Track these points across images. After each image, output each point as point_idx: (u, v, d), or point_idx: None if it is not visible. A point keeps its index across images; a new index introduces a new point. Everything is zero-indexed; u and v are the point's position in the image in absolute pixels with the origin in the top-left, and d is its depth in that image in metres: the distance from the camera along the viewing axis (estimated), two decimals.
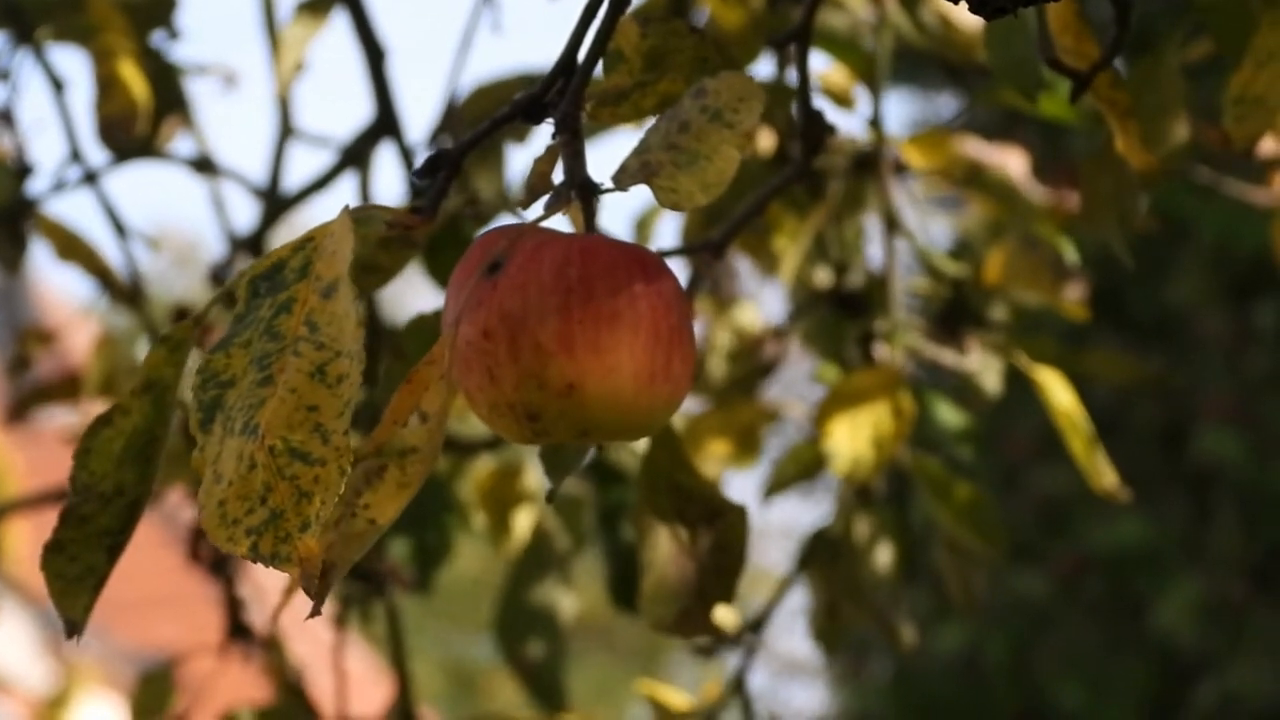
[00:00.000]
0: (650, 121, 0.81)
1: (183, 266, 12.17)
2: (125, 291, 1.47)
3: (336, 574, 0.72)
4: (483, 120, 0.80)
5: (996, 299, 1.48)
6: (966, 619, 4.25)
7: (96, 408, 1.45)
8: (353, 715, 1.52)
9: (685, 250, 1.12)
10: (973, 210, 1.52)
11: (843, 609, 1.44)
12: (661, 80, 0.85)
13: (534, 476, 1.56)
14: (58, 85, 1.45)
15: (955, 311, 1.48)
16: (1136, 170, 1.05)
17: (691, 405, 1.51)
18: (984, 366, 1.46)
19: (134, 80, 1.34)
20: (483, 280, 0.76)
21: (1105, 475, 1.35)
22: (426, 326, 1.03)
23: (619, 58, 0.85)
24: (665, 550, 1.00)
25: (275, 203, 1.54)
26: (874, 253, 1.47)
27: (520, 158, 2.97)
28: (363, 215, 0.73)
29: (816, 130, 1.06)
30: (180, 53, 1.49)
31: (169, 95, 1.47)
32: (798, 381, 2.31)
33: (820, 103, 1.12)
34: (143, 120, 1.34)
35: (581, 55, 0.81)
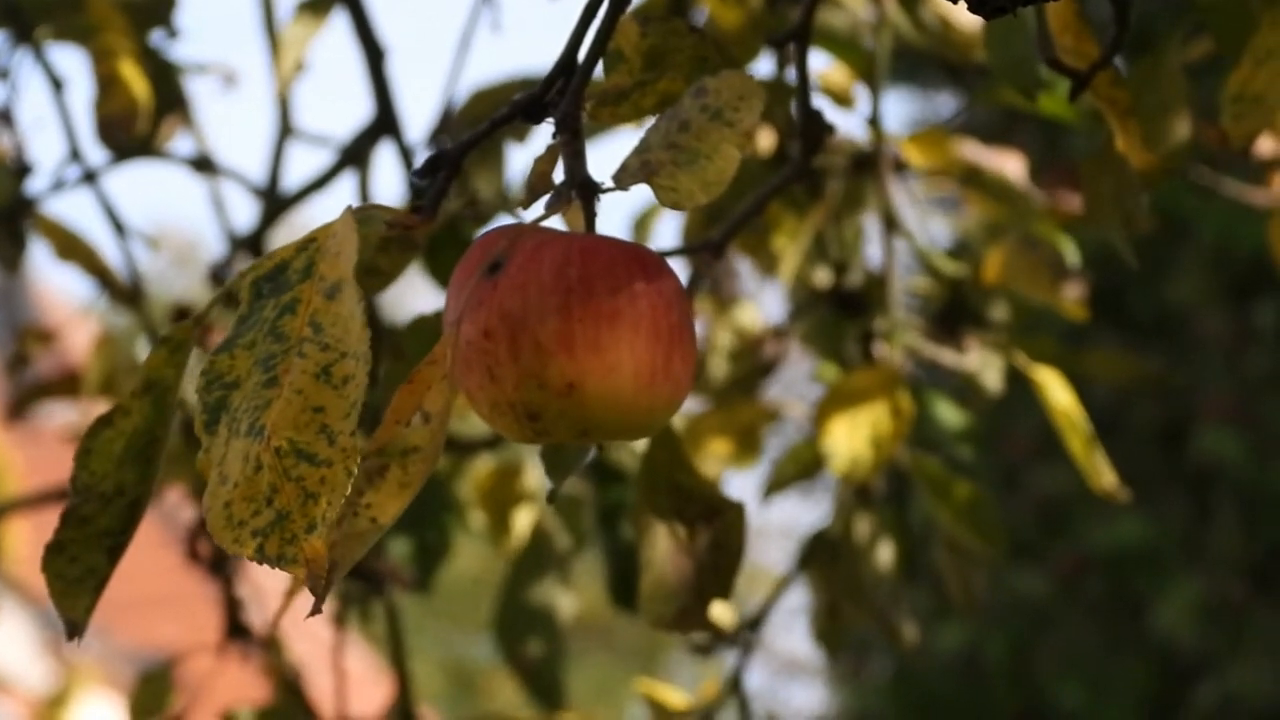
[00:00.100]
0: (650, 121, 0.81)
1: (182, 266, 12.15)
2: (125, 291, 1.47)
3: (338, 573, 0.72)
4: (480, 123, 0.80)
5: (996, 299, 1.48)
6: (966, 618, 4.24)
7: (96, 407, 1.45)
8: (352, 715, 1.52)
9: (685, 250, 1.12)
10: (972, 210, 1.52)
11: (843, 609, 1.44)
12: (661, 80, 0.85)
13: (534, 476, 1.56)
14: (57, 84, 1.45)
15: (954, 311, 1.48)
16: (1137, 170, 1.05)
17: (691, 405, 1.51)
18: (983, 366, 1.46)
19: (134, 80, 1.34)
20: (483, 280, 0.76)
21: (1105, 475, 1.35)
22: (427, 327, 1.03)
23: (619, 57, 0.85)
24: (664, 548, 1.00)
25: (275, 202, 1.54)
26: (873, 252, 1.47)
27: (520, 158, 2.97)
28: (364, 215, 0.72)
29: (816, 129, 1.06)
30: (180, 52, 1.49)
31: (169, 95, 1.47)
32: (798, 381, 2.31)
33: (820, 102, 1.12)
34: (142, 120, 1.34)
35: (581, 55, 0.81)
